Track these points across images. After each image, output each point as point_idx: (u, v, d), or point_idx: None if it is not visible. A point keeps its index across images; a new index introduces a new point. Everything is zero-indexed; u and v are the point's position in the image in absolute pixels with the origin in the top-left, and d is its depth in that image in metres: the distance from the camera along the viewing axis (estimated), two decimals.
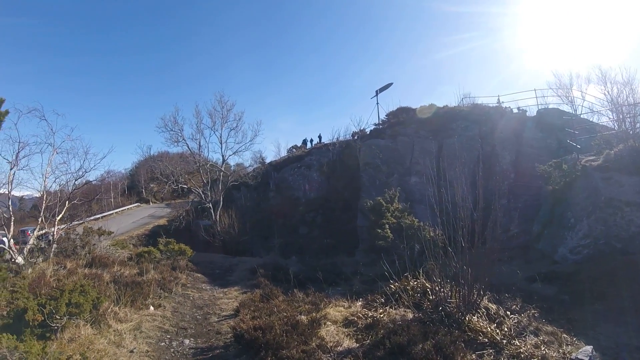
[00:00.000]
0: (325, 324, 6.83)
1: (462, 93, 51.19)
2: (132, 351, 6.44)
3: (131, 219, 35.94)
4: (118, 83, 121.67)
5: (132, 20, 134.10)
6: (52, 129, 13.50)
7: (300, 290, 9.52)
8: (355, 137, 29.52)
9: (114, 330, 7.00)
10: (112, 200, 48.72)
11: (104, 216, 35.27)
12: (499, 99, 24.98)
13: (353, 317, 7.07)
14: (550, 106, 23.21)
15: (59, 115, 13.95)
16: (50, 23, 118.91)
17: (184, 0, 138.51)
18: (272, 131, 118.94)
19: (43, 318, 6.04)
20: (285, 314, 7.47)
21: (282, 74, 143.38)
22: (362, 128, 30.46)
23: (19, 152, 12.14)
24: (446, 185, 7.10)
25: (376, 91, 31.62)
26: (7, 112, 9.77)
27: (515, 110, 23.79)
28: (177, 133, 30.17)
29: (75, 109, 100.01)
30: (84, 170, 14.39)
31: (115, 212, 41.19)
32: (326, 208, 25.70)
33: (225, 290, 11.35)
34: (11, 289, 7.46)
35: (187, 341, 7.22)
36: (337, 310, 7.67)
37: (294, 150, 37.85)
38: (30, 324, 5.88)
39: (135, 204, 48.64)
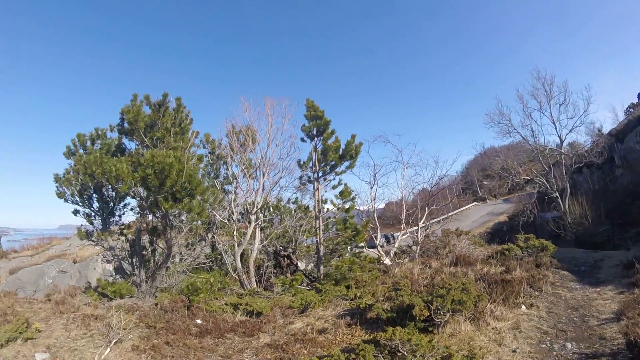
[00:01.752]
0: None
1: None
2: (514, 351, 6.47)
3: (470, 219, 37.15)
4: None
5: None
6: (397, 149, 16.46)
7: None
8: None
9: (492, 328, 7.26)
10: (450, 202, 51.84)
11: (444, 218, 37.81)
12: None
13: None
14: None
15: (400, 136, 16.96)
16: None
17: None
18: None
19: (429, 313, 6.85)
20: None
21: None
22: None
23: (375, 173, 15.20)
24: None
25: None
26: (361, 144, 12.62)
27: None
28: (506, 124, 29.39)
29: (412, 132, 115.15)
30: (437, 177, 16.39)
31: (454, 214, 43.52)
32: None
33: (598, 289, 9.94)
34: (395, 287, 8.91)
35: (568, 345, 6.74)
36: None
37: (631, 110, 29.56)
38: (416, 318, 6.76)
39: (473, 204, 50.11)
